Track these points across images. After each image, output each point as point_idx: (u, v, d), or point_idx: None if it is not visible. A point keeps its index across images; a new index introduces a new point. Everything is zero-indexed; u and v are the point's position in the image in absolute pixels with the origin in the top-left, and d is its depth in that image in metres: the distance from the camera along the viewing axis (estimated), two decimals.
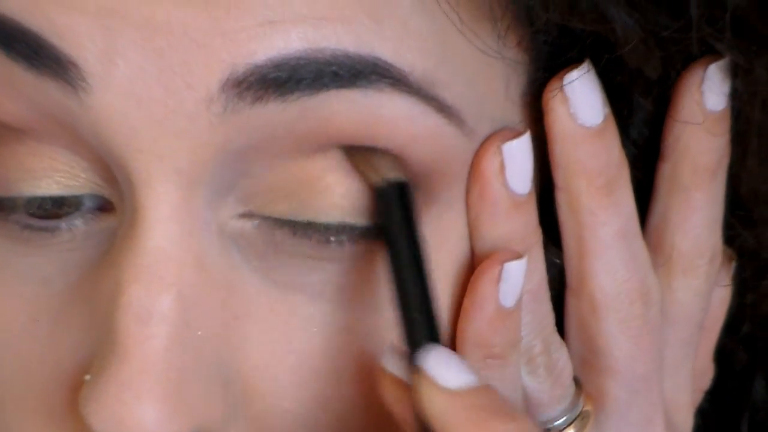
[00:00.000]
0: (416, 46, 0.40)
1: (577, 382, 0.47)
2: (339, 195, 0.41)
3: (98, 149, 0.40)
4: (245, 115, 0.39)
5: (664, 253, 0.47)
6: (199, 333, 0.41)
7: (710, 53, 0.45)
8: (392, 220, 0.41)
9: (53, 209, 0.42)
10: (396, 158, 0.41)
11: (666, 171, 0.47)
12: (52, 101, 0.40)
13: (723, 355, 0.52)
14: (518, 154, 0.43)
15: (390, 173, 0.41)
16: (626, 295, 0.45)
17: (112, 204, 0.42)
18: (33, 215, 0.42)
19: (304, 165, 0.41)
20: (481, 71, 0.42)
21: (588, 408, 0.46)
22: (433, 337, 0.40)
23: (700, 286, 0.48)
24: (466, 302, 0.43)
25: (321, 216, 0.41)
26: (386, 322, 0.42)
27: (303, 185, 0.41)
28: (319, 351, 0.42)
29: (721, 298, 0.50)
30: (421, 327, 0.41)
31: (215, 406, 0.41)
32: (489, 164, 0.43)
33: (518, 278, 0.43)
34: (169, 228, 0.40)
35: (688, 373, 0.49)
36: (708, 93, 0.45)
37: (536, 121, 0.44)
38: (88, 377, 0.41)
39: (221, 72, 0.38)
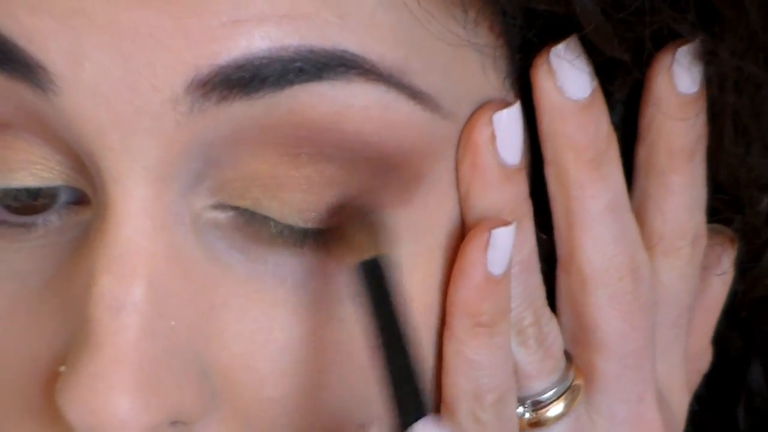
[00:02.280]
0: (384, 38, 0.40)
1: (568, 356, 0.47)
2: (302, 192, 0.42)
3: (72, 146, 0.41)
4: (212, 113, 0.40)
5: (645, 235, 0.47)
6: (173, 323, 0.41)
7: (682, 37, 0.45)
8: (370, 298, 0.42)
9: (29, 201, 0.43)
10: (371, 230, 0.42)
11: (642, 154, 0.47)
12: (24, 101, 0.40)
13: (718, 340, 0.52)
14: (508, 124, 0.44)
15: (365, 252, 0.42)
16: (615, 270, 0.46)
17: (86, 197, 0.43)
18: (8, 208, 0.43)
19: (272, 160, 0.41)
20: (455, 58, 0.42)
21: (578, 382, 0.47)
22: (419, 409, 0.41)
23: (683, 268, 0.48)
24: (455, 270, 0.43)
25: (285, 209, 0.42)
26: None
27: (270, 179, 0.41)
28: (301, 339, 0.43)
29: (722, 280, 0.51)
30: (408, 400, 0.41)
31: (191, 395, 0.42)
32: (480, 134, 0.43)
33: (506, 245, 0.44)
34: (140, 221, 0.41)
35: (679, 355, 0.49)
36: (678, 75, 0.46)
37: (522, 101, 0.45)
38: (62, 368, 0.41)
39: (185, 73, 0.39)
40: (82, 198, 0.43)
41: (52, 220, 0.43)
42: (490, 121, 0.43)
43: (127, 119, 0.40)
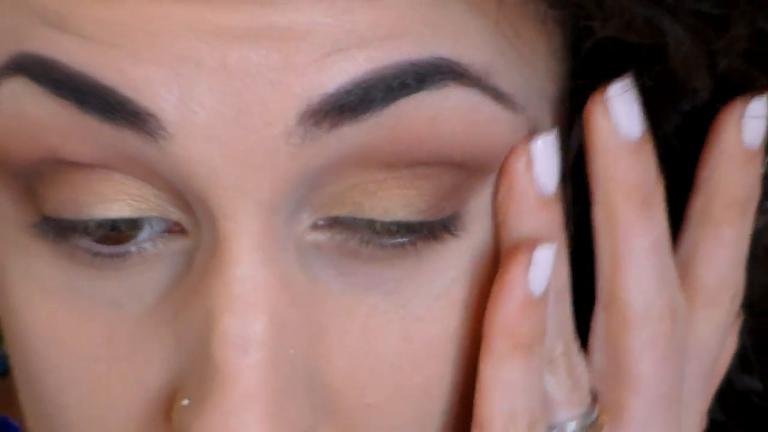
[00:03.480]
0: (473, 42, 0.41)
1: (593, 394, 0.47)
2: (397, 198, 0.42)
3: (176, 184, 0.41)
4: (322, 141, 0.40)
5: (689, 286, 0.48)
6: (291, 351, 0.42)
7: (754, 88, 0.46)
8: None
9: (124, 231, 0.43)
10: None
11: (698, 203, 0.48)
12: (128, 146, 0.40)
13: None
14: (545, 151, 0.44)
15: None
16: (657, 311, 0.46)
17: (180, 226, 0.43)
18: (102, 240, 0.43)
19: (372, 171, 0.42)
20: (528, 60, 0.43)
21: (603, 419, 0.47)
22: None
23: (721, 322, 0.48)
24: (495, 289, 0.44)
25: (388, 205, 0.42)
26: (454, 305, 0.44)
27: (369, 184, 0.42)
28: (395, 344, 0.43)
29: (732, 341, 0.51)
30: None
31: (309, 416, 0.42)
32: (517, 161, 0.44)
33: (547, 264, 0.44)
34: (254, 256, 0.41)
35: (701, 408, 0.50)
36: (748, 128, 0.46)
37: (562, 129, 0.45)
38: (185, 402, 0.42)
39: (297, 106, 0.39)
40: (174, 227, 0.43)
41: (146, 247, 0.43)
42: (527, 148, 0.44)
43: (240, 158, 0.40)
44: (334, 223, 0.43)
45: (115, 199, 0.42)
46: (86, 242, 0.43)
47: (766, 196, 0.49)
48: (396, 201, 0.42)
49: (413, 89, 0.40)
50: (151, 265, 0.43)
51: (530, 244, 0.44)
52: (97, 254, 0.43)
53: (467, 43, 0.41)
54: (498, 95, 0.42)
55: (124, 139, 0.40)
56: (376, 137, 0.41)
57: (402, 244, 0.43)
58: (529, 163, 0.44)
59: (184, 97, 0.39)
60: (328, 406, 0.43)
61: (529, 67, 0.43)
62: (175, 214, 0.42)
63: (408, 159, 0.42)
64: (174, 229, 0.43)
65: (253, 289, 0.41)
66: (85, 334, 0.44)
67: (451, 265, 0.44)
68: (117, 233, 0.42)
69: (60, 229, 0.43)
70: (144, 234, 0.43)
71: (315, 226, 0.43)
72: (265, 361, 0.41)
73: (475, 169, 0.43)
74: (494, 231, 0.45)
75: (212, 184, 0.40)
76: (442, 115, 0.41)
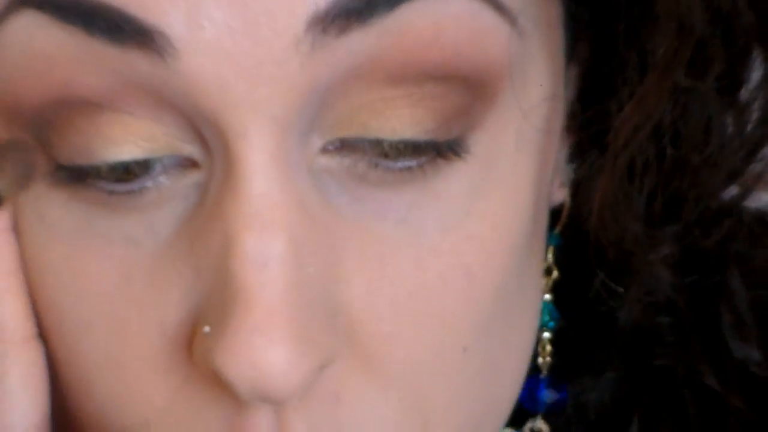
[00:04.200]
0: None
1: None
2: (406, 117, 0.43)
3: (185, 110, 0.41)
4: (331, 49, 0.40)
5: None
6: (310, 270, 0.42)
7: None
8: None
9: (137, 171, 0.43)
10: None
11: None
12: (136, 71, 0.41)
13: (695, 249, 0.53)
14: None
15: None
16: None
17: (192, 160, 0.43)
18: (118, 180, 0.43)
19: (379, 86, 0.42)
20: None
21: None
22: None
23: None
24: None
25: (396, 125, 0.43)
26: (466, 239, 0.44)
27: (376, 102, 0.42)
28: (409, 274, 0.44)
29: None
30: None
31: (331, 340, 0.43)
32: None
33: None
34: (270, 174, 0.41)
35: None
36: None
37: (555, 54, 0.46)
38: (207, 329, 0.42)
39: (305, 12, 0.40)
40: (186, 162, 0.43)
41: (162, 181, 0.43)
42: None
43: (250, 72, 0.40)
44: (343, 146, 0.43)
45: (126, 141, 0.42)
46: (101, 183, 0.43)
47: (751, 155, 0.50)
48: (404, 120, 0.42)
49: None
50: (166, 200, 0.43)
51: None
52: (112, 192, 0.43)
53: None
54: (498, 5, 0.43)
55: (132, 61, 0.40)
56: (382, 45, 0.41)
57: (409, 168, 0.43)
58: None
59: (192, 12, 0.40)
60: (348, 334, 0.43)
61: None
62: (186, 148, 0.43)
63: (415, 70, 0.42)
64: (186, 164, 0.43)
65: (270, 207, 0.41)
66: (101, 273, 0.44)
67: (458, 194, 0.44)
68: (130, 175, 0.43)
69: (74, 175, 0.43)
70: (157, 169, 0.43)
71: (325, 150, 0.43)
72: (285, 278, 0.41)
73: (479, 88, 0.43)
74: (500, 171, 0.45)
75: (222, 101, 0.40)
76: (445, 21, 0.42)
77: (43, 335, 0.47)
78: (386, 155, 0.43)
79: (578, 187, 0.51)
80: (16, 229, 0.46)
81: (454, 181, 0.44)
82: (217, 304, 0.42)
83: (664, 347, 0.55)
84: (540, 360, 0.53)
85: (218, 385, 0.42)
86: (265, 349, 0.40)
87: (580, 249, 0.51)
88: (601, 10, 0.48)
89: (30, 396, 0.46)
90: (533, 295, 0.50)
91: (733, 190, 0.52)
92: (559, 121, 0.48)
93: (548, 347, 0.53)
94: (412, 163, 0.43)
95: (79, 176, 0.43)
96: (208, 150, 0.42)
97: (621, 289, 0.51)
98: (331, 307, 0.43)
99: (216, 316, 0.42)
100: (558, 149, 0.49)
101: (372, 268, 0.43)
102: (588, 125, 0.49)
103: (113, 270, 0.44)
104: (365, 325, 0.43)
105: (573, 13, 0.47)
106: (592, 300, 0.53)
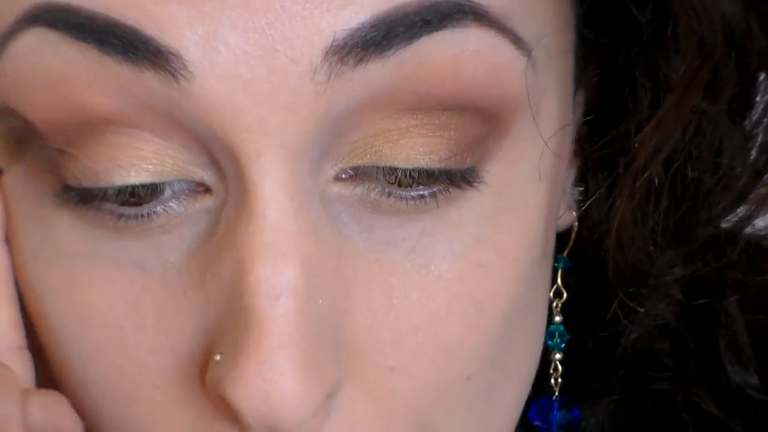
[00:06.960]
0: None
1: None
2: (420, 146, 0.42)
3: (198, 133, 0.41)
4: (347, 78, 0.40)
5: None
6: (320, 302, 0.42)
7: None
8: None
9: (146, 196, 0.42)
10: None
11: None
12: (148, 91, 0.40)
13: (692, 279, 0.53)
14: None
15: None
16: None
17: (204, 185, 0.42)
18: (126, 204, 0.42)
19: (395, 116, 0.42)
20: (546, 8, 0.44)
21: None
22: None
23: None
24: None
25: (411, 152, 0.42)
26: (474, 268, 0.44)
27: (392, 131, 0.42)
28: (416, 304, 0.43)
29: None
30: None
31: (337, 371, 0.42)
32: None
33: None
34: (282, 203, 0.41)
35: None
36: None
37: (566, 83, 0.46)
38: (218, 358, 0.41)
39: (323, 42, 0.39)
40: (197, 188, 0.43)
41: (172, 206, 0.43)
42: None
43: (264, 98, 0.40)
44: (356, 174, 0.43)
45: (133, 165, 0.42)
46: (109, 206, 0.42)
47: (757, 178, 0.51)
48: (419, 148, 0.42)
49: (435, 27, 0.41)
50: (175, 225, 0.43)
51: None
52: (120, 216, 0.43)
53: None
54: (516, 39, 0.42)
55: (145, 82, 0.40)
56: (399, 77, 0.41)
57: (422, 196, 0.43)
58: None
59: (208, 36, 0.39)
60: (351, 367, 0.43)
61: (542, 17, 0.44)
62: (197, 173, 0.42)
63: (431, 101, 0.42)
64: (198, 189, 0.43)
65: (284, 237, 0.41)
66: (108, 300, 0.43)
67: (469, 223, 0.44)
68: (138, 198, 0.42)
69: (81, 197, 0.43)
70: (167, 194, 0.42)
71: (338, 179, 0.43)
72: (296, 310, 0.41)
73: (494, 119, 0.43)
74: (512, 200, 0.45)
75: (236, 126, 0.40)
76: (464, 55, 0.41)
77: (48, 360, 0.46)
78: (399, 183, 0.43)
79: (588, 210, 0.51)
80: (21, 249, 0.45)
81: (466, 209, 0.44)
82: (228, 332, 0.41)
83: (663, 372, 0.55)
84: (552, 381, 0.53)
85: (231, 414, 0.42)
86: (276, 382, 0.40)
87: (584, 272, 0.51)
88: (615, 35, 0.48)
89: None
90: (538, 320, 0.49)
91: (737, 214, 0.53)
92: (568, 147, 0.48)
93: (560, 368, 0.53)
94: (425, 191, 0.43)
95: (86, 198, 0.43)
96: (222, 175, 0.42)
97: (641, 309, 0.51)
98: (336, 339, 0.42)
99: (227, 344, 0.41)
100: (566, 174, 0.49)
101: (379, 301, 0.43)
102: (600, 148, 0.49)
103: (121, 295, 0.43)
104: (369, 357, 0.43)
105: (585, 40, 0.47)
106: (593, 324, 0.53)
